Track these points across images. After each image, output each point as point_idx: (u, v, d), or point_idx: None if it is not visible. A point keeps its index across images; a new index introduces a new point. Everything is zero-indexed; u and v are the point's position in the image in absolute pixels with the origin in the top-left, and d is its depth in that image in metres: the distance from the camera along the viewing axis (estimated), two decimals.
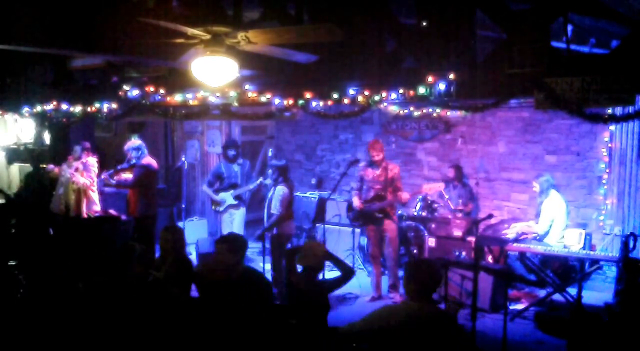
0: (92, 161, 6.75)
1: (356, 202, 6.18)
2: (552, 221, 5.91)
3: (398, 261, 6.25)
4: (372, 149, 6.09)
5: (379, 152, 6.06)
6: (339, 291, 6.06)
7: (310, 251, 4.01)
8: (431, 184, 6.51)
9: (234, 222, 6.90)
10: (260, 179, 6.62)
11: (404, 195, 5.98)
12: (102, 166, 6.92)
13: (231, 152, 6.90)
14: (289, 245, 6.19)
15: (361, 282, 6.33)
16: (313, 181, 9.19)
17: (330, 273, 5.12)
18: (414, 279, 3.10)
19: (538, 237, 5.98)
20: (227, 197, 6.83)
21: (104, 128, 9.26)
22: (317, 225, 7.51)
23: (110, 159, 7.25)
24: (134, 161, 6.49)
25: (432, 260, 3.62)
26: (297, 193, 8.35)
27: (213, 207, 7.06)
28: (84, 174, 6.59)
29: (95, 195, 6.73)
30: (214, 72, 4.15)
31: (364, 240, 7.13)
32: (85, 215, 6.60)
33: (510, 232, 6.10)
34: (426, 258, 4.06)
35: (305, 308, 3.85)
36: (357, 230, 7.32)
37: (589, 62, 4.70)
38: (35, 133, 9.07)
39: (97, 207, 6.75)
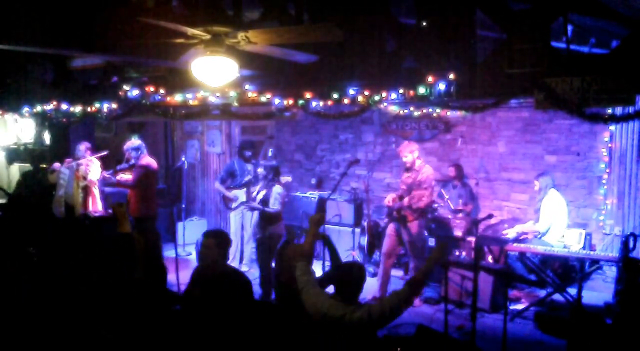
0: (95, 160, 6.82)
1: (388, 198, 6.17)
2: (552, 219, 5.91)
3: (420, 265, 6.15)
4: (399, 151, 6.07)
5: (407, 154, 5.97)
6: None
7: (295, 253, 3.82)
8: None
9: (245, 219, 6.94)
10: (249, 177, 6.59)
11: (405, 200, 5.89)
12: (102, 166, 6.95)
13: (248, 153, 7.00)
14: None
15: None
16: (313, 181, 9.19)
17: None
18: (335, 280, 3.38)
19: (538, 236, 5.99)
20: (241, 194, 6.86)
21: (104, 128, 9.26)
22: None
23: (110, 159, 7.26)
24: (133, 161, 6.50)
25: (356, 263, 3.73)
26: (297, 193, 8.36)
27: (225, 204, 7.10)
28: (89, 171, 6.68)
29: (97, 193, 6.79)
30: (214, 72, 4.15)
31: (364, 240, 7.13)
32: (91, 213, 6.65)
33: (510, 232, 6.11)
34: (352, 262, 4.11)
35: (299, 307, 3.83)
36: (357, 230, 7.33)
37: (589, 62, 4.70)
38: (35, 133, 9.07)
39: (100, 205, 6.80)
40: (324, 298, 3.29)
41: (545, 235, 5.95)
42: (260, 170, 6.19)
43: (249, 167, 6.99)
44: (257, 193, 6.07)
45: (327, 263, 5.63)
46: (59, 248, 6.14)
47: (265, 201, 5.93)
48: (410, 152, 5.96)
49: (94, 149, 7.07)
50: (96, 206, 6.78)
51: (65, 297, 4.02)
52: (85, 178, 6.67)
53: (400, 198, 6.01)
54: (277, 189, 5.97)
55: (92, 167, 6.75)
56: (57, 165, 7.04)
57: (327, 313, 3.19)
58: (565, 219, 5.99)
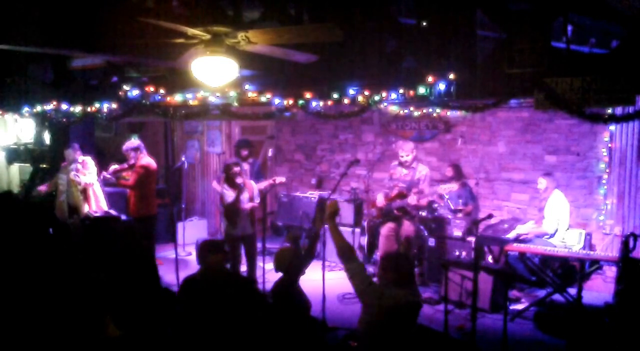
0: (89, 159, 6.80)
1: (379, 199, 6.18)
2: (559, 219, 5.93)
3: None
4: (400, 150, 6.12)
5: (408, 152, 6.06)
6: (339, 291, 6.10)
7: (281, 256, 3.95)
8: (446, 185, 6.39)
9: None
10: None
11: (411, 199, 5.89)
12: (102, 166, 6.94)
13: (244, 152, 7.01)
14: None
15: None
16: (313, 181, 9.19)
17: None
18: (394, 269, 3.49)
19: (547, 237, 6.00)
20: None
21: (104, 128, 9.26)
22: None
23: (110, 159, 7.25)
24: (132, 161, 6.50)
25: (404, 253, 4.00)
26: (297, 193, 8.35)
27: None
28: (84, 173, 6.64)
29: (100, 192, 6.79)
30: (214, 72, 4.15)
31: (364, 240, 7.13)
32: (94, 213, 6.64)
33: (512, 233, 6.11)
34: (401, 252, 4.20)
35: (289, 308, 3.85)
36: (357, 230, 7.32)
37: (589, 62, 4.71)
38: (35, 133, 9.06)
39: (104, 204, 6.80)
40: (404, 291, 3.43)
41: (553, 236, 5.96)
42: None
43: (246, 166, 7.00)
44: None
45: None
46: (59, 248, 6.14)
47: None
48: (411, 151, 6.10)
49: (92, 149, 7.06)
50: (99, 205, 6.77)
51: (65, 297, 4.01)
52: (79, 184, 6.65)
53: (402, 195, 6.00)
54: (252, 183, 5.98)
55: (86, 172, 6.69)
56: (42, 188, 7.04)
57: (416, 301, 3.47)
58: (567, 220, 6.01)
